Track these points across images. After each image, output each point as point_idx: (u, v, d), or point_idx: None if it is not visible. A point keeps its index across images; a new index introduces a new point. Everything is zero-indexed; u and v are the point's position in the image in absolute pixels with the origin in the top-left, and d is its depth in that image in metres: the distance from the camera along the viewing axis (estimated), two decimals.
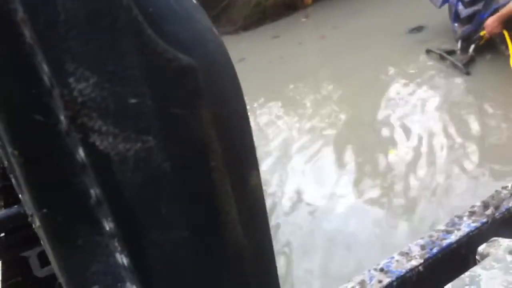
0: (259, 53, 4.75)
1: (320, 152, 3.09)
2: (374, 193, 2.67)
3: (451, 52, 3.74)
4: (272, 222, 2.51)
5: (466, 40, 3.66)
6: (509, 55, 3.54)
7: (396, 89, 3.63)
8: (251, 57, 4.64)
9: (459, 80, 3.51)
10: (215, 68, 0.34)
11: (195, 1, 0.37)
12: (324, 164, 2.99)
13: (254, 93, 3.99)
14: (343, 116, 3.45)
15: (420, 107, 3.34)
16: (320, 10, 5.35)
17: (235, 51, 4.84)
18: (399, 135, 3.08)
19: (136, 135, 0.29)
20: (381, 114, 3.35)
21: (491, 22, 3.41)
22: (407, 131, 3.09)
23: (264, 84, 4.13)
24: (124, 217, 0.31)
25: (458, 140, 2.92)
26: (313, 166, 2.98)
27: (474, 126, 3.00)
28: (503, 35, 3.42)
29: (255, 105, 3.86)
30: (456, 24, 3.79)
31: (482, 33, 3.53)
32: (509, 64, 3.35)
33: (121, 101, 0.29)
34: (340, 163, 2.95)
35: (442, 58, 3.76)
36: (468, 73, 3.51)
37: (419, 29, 4.33)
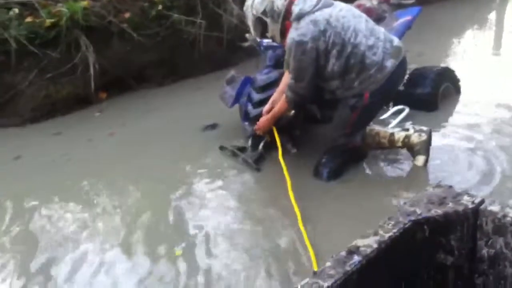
0: (40, 150, 4.38)
1: (115, 257, 2.87)
2: None
3: (242, 149, 3.90)
4: None
5: (256, 138, 3.86)
6: (294, 152, 3.83)
7: (191, 185, 3.60)
8: (32, 154, 4.29)
9: (250, 176, 3.63)
10: None
11: None
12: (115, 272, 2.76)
13: (36, 193, 3.62)
14: (139, 215, 3.28)
15: (214, 204, 3.33)
16: (115, 105, 5.26)
17: (12, 147, 4.41)
18: (191, 234, 3.01)
19: None
20: (175, 212, 3.26)
21: (263, 122, 3.66)
22: (200, 229, 3.03)
23: (48, 184, 3.79)
24: None
25: (256, 236, 2.95)
26: (106, 275, 2.73)
27: (267, 222, 3.07)
28: (272, 131, 3.68)
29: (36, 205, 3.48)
30: (246, 123, 4.00)
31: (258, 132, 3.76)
32: (291, 160, 3.60)
33: None
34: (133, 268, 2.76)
35: (234, 154, 3.89)
36: (258, 169, 3.66)
37: (213, 126, 4.48)
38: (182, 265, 2.73)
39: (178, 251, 2.85)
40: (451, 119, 4.30)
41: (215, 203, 3.34)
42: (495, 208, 1.31)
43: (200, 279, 2.61)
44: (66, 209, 3.42)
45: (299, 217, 2.95)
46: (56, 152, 4.28)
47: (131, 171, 3.88)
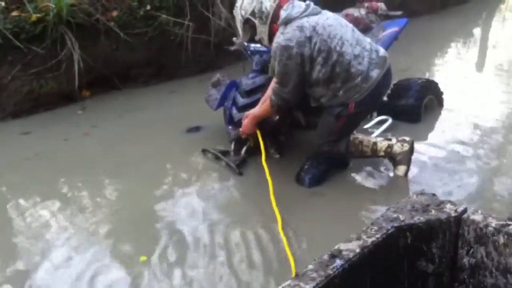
0: (10, 148, 4.31)
1: (79, 257, 2.82)
2: None
3: (225, 153, 3.88)
4: None
5: (239, 142, 3.85)
6: (277, 158, 3.84)
7: (170, 188, 3.56)
8: (2, 152, 4.22)
9: (231, 180, 3.61)
10: None
11: None
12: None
13: (12, 192, 3.57)
14: (112, 216, 3.24)
15: (192, 207, 3.28)
16: (99, 104, 5.21)
17: None
18: (163, 239, 2.94)
19: None
20: (150, 215, 3.21)
21: (246, 123, 3.65)
22: (174, 234, 2.97)
23: (23, 182, 3.72)
24: None
25: (236, 236, 2.93)
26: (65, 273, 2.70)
27: (247, 227, 3.05)
28: (256, 134, 3.67)
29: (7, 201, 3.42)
30: (230, 127, 3.99)
31: (244, 137, 3.76)
32: (274, 165, 3.59)
33: None
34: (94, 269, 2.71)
35: (217, 158, 3.87)
36: (240, 174, 3.65)
37: (197, 129, 4.46)
38: (143, 272, 2.64)
39: (143, 257, 2.76)
40: (433, 131, 4.35)
41: (194, 207, 3.29)
42: (477, 217, 1.32)
43: None
44: (36, 207, 3.36)
45: (279, 222, 2.94)
46: (30, 150, 4.20)
47: (108, 172, 3.83)
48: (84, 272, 2.67)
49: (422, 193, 1.44)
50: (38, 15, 4.74)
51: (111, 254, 2.83)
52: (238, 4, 3.44)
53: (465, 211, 1.36)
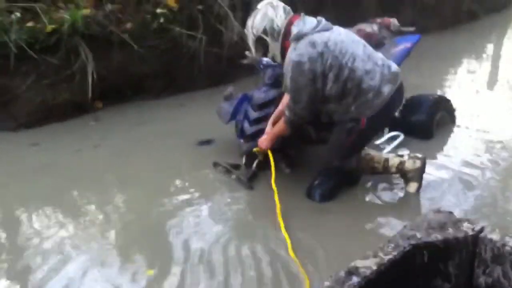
0: (19, 159, 4.32)
1: (87, 267, 2.81)
2: None
3: (236, 167, 3.88)
4: None
5: (250, 156, 3.85)
6: (288, 172, 3.83)
7: (180, 201, 3.53)
8: (11, 163, 4.22)
9: (242, 194, 3.60)
10: None
11: None
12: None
13: (21, 203, 3.56)
14: (122, 228, 3.24)
15: (202, 222, 3.26)
16: (111, 115, 5.24)
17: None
18: (171, 253, 2.92)
19: None
20: (159, 228, 3.19)
21: (263, 141, 3.65)
22: (182, 249, 2.95)
23: (34, 192, 3.74)
24: None
25: (245, 252, 2.92)
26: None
27: (256, 243, 3.04)
28: (267, 154, 3.65)
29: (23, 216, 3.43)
30: (241, 140, 3.99)
31: (255, 150, 3.74)
32: (284, 180, 3.58)
33: None
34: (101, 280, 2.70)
35: (227, 171, 3.86)
36: (251, 188, 3.64)
37: (208, 142, 4.47)
38: (148, 286, 2.63)
39: (150, 270, 2.75)
40: (445, 148, 4.33)
41: (203, 221, 3.27)
42: (494, 236, 1.31)
43: None
44: (47, 218, 3.37)
45: (288, 243, 2.90)
46: (41, 160, 4.22)
47: (117, 185, 3.83)
48: (90, 284, 2.67)
49: (438, 210, 1.44)
50: (53, 26, 4.78)
51: (118, 266, 2.82)
52: (249, 23, 3.44)
53: (482, 230, 1.34)
